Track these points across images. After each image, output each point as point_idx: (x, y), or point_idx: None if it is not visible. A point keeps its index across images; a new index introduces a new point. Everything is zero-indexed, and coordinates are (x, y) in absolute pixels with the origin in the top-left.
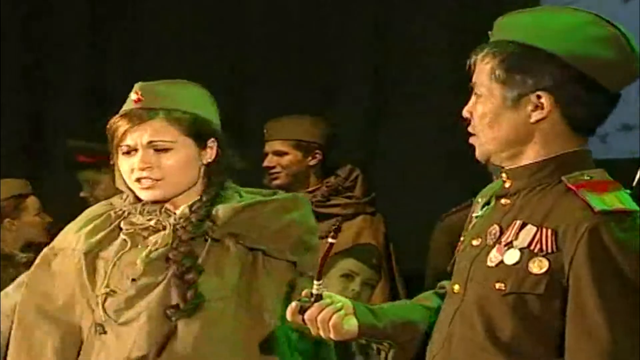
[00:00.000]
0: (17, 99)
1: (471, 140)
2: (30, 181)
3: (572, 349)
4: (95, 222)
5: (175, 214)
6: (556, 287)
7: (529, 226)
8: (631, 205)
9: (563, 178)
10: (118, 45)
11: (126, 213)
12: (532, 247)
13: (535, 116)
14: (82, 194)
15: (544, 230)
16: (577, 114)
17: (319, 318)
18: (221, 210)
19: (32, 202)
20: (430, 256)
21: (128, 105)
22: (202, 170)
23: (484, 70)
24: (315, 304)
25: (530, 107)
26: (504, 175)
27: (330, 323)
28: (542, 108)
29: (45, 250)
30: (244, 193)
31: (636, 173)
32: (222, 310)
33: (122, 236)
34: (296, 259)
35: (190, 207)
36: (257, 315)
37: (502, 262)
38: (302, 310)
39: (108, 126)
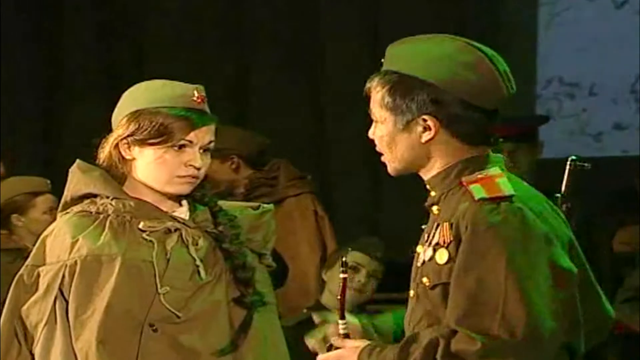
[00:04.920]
0: (32, 101)
1: (382, 158)
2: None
3: (449, 298)
4: (106, 229)
5: (179, 218)
6: None
7: (441, 225)
8: (510, 190)
9: (463, 178)
10: (131, 46)
11: (129, 217)
12: (439, 242)
13: (425, 137)
14: None
15: (445, 224)
16: (461, 130)
17: None
18: (241, 217)
19: (43, 200)
20: None
21: (190, 104)
22: None
23: (376, 98)
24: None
25: (419, 129)
26: (427, 186)
27: None
28: (430, 129)
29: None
30: (223, 202)
31: (628, 171)
32: (265, 310)
33: (145, 237)
34: (273, 264)
35: (212, 210)
36: (272, 313)
37: (424, 261)
38: (328, 348)
39: (162, 119)
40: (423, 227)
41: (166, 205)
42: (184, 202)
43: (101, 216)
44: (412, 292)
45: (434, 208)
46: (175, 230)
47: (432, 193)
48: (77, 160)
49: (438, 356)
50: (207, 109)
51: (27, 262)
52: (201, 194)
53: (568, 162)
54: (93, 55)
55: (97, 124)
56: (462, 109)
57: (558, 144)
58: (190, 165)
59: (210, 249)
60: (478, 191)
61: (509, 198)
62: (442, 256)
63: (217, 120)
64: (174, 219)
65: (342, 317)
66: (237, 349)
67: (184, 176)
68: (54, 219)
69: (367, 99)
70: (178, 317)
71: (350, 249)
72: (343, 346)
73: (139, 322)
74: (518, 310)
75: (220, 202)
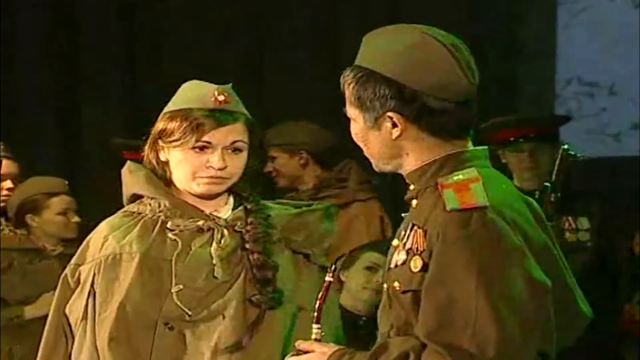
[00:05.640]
0: (49, 101)
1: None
2: (68, 180)
3: (421, 309)
4: (136, 228)
5: (218, 217)
6: None
7: (415, 227)
8: (483, 200)
9: (438, 179)
10: (149, 49)
11: (163, 217)
12: (413, 247)
13: (395, 133)
14: None
15: (419, 230)
16: (430, 125)
17: None
18: (277, 216)
19: (58, 201)
20: None
21: (209, 105)
22: None
23: (347, 95)
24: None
25: (388, 125)
26: (407, 180)
27: None
28: (397, 125)
29: (85, 261)
30: (270, 203)
31: None
32: (289, 310)
33: (171, 236)
34: (328, 265)
35: (246, 209)
36: (300, 316)
37: (397, 263)
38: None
39: (180, 121)
40: (404, 215)
41: (207, 205)
42: (230, 200)
43: (140, 216)
44: (385, 285)
45: (414, 202)
46: (209, 229)
47: (411, 187)
48: (128, 161)
49: None
50: (232, 108)
51: (71, 262)
52: (247, 192)
53: (560, 151)
54: (110, 54)
55: (114, 124)
56: (427, 104)
57: (577, 144)
58: (210, 167)
59: (235, 248)
60: (451, 200)
61: (481, 209)
62: (415, 264)
63: (247, 118)
64: (211, 218)
65: (317, 322)
66: (241, 348)
67: (205, 177)
68: (69, 221)
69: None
70: (189, 315)
71: (367, 249)
72: (312, 350)
73: (153, 320)
74: (489, 327)
75: (268, 202)
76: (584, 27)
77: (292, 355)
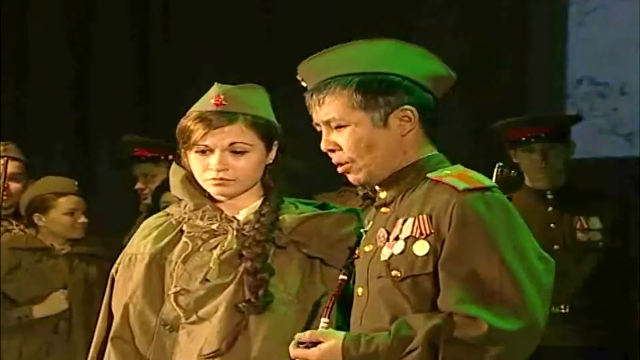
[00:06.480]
0: (63, 99)
1: (342, 169)
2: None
3: (443, 284)
4: (159, 229)
5: (235, 219)
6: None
7: (409, 219)
8: (488, 182)
9: (428, 175)
10: (159, 45)
11: (186, 219)
12: (414, 234)
13: (406, 128)
14: (137, 186)
15: (421, 217)
16: (429, 119)
17: None
18: (287, 219)
19: (65, 201)
20: None
21: (206, 107)
22: (262, 171)
23: (336, 104)
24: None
25: (397, 122)
26: (378, 188)
27: None
28: (410, 120)
29: (119, 258)
30: (299, 204)
31: None
32: (285, 314)
33: (183, 239)
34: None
35: (259, 212)
36: (312, 321)
37: (392, 254)
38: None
39: (183, 126)
40: (364, 230)
41: (230, 207)
42: (257, 203)
43: (169, 217)
44: (360, 290)
45: (382, 209)
46: (223, 233)
47: (382, 194)
48: (173, 163)
49: (441, 341)
50: (228, 109)
51: None
52: (274, 193)
53: (495, 168)
54: (124, 53)
55: (130, 122)
56: (429, 97)
57: (588, 144)
58: (215, 170)
59: (237, 252)
60: (459, 183)
61: (490, 189)
62: (422, 247)
63: (246, 118)
64: (229, 220)
65: (327, 316)
66: (220, 354)
67: (209, 179)
68: (75, 221)
69: (311, 114)
70: (185, 317)
71: None
72: (318, 339)
73: (154, 321)
74: (514, 295)
75: (296, 201)
76: (595, 27)
77: (301, 347)
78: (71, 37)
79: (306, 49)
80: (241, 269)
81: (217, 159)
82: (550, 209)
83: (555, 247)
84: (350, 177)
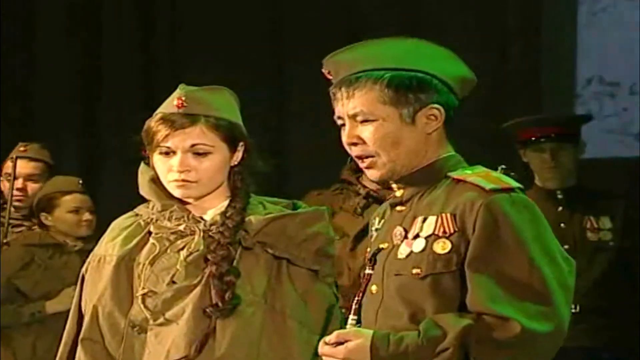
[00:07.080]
0: (71, 99)
1: (365, 164)
2: (85, 179)
3: (472, 284)
4: (127, 230)
5: (203, 219)
6: (461, 262)
7: (430, 218)
8: (514, 183)
9: (450, 174)
10: (166, 46)
11: (154, 220)
12: (436, 232)
13: (432, 127)
14: None
15: (444, 215)
16: (451, 119)
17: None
18: (254, 220)
19: (69, 199)
20: None
21: (169, 109)
22: (228, 172)
23: (366, 98)
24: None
25: (424, 120)
26: (394, 186)
27: None
28: (437, 118)
29: (89, 258)
30: (267, 203)
31: None
32: (252, 315)
33: (151, 240)
34: (318, 268)
35: (224, 213)
36: (280, 321)
37: (412, 252)
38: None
39: (147, 127)
40: (375, 228)
41: (197, 208)
42: (224, 203)
43: (138, 218)
44: (374, 287)
45: (398, 207)
46: (189, 234)
47: (398, 193)
48: (142, 163)
49: (472, 341)
50: (190, 111)
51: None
52: (241, 193)
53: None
54: (131, 51)
55: (135, 122)
56: (453, 99)
57: (598, 144)
58: (177, 171)
59: (203, 254)
60: (485, 183)
61: (516, 189)
62: (444, 246)
63: (208, 120)
64: (196, 221)
65: (355, 314)
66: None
67: (172, 181)
68: (80, 219)
69: (334, 106)
70: (152, 319)
71: None
72: (349, 339)
73: (122, 323)
74: (544, 296)
75: (264, 200)
76: (605, 26)
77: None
78: (76, 31)
79: (311, 48)
80: (207, 272)
81: (178, 160)
82: (560, 208)
83: (566, 247)
84: (371, 173)
